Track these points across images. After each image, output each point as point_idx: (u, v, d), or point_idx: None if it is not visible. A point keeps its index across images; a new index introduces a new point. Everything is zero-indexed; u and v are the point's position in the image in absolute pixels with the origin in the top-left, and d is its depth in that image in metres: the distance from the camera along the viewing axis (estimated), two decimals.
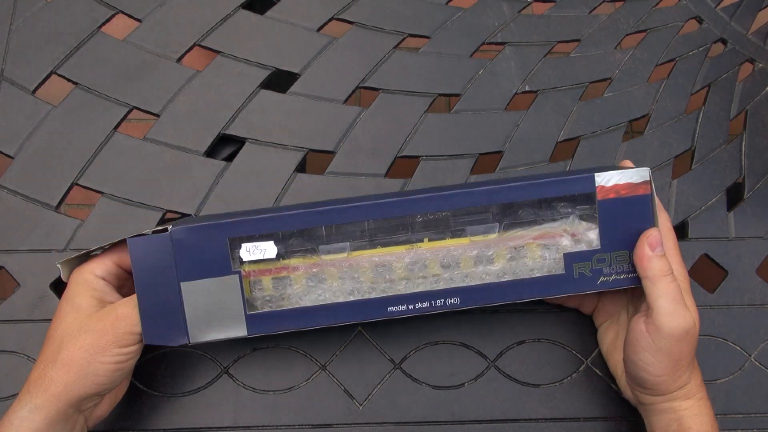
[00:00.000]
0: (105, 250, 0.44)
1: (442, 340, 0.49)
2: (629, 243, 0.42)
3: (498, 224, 0.44)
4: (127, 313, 0.41)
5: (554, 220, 0.44)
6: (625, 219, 0.42)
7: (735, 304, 0.51)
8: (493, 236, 0.44)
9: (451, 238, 0.44)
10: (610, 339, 0.47)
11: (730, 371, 0.49)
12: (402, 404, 0.48)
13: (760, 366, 0.50)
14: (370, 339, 0.49)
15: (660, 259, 0.40)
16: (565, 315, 0.50)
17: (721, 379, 0.49)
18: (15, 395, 0.47)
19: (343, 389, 0.48)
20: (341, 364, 0.49)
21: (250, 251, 0.42)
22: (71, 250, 0.50)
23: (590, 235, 0.44)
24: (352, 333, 0.49)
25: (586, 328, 0.50)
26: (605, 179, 0.42)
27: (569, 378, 0.49)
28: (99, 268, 0.42)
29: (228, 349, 0.49)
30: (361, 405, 0.48)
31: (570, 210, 0.44)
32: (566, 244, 0.44)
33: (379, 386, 0.48)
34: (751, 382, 0.49)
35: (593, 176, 0.42)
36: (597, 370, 0.49)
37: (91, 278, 0.42)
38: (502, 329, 0.50)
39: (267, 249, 0.42)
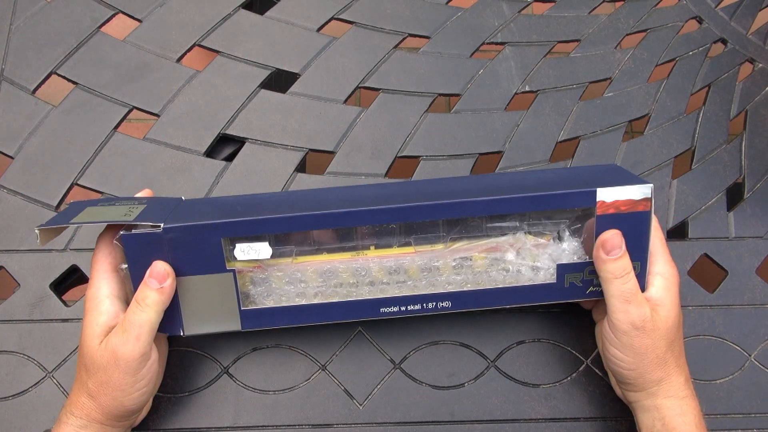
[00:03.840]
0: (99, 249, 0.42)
1: (442, 340, 0.49)
2: None
3: (446, 235, 0.43)
4: (121, 349, 0.40)
5: (502, 234, 0.43)
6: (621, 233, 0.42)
7: (735, 304, 0.51)
8: (440, 247, 0.43)
9: (398, 246, 0.43)
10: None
11: (730, 371, 0.49)
12: (402, 404, 0.48)
13: (760, 366, 0.50)
14: (369, 339, 0.49)
15: (613, 262, 0.41)
16: (565, 315, 0.50)
17: (721, 379, 0.49)
18: (15, 395, 0.47)
19: (343, 389, 0.48)
20: (341, 364, 0.48)
21: (244, 251, 0.42)
22: (71, 250, 0.50)
23: (536, 250, 0.43)
24: (352, 333, 0.49)
25: (586, 328, 0.50)
26: (607, 195, 0.41)
27: (569, 378, 0.49)
28: (106, 287, 0.41)
29: (228, 349, 0.49)
30: (361, 405, 0.48)
31: (517, 224, 0.44)
32: (511, 258, 0.43)
33: (379, 386, 0.48)
34: (751, 382, 0.49)
35: (595, 192, 0.41)
36: (597, 370, 0.49)
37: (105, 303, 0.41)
38: (502, 329, 0.50)
39: (261, 250, 0.42)
